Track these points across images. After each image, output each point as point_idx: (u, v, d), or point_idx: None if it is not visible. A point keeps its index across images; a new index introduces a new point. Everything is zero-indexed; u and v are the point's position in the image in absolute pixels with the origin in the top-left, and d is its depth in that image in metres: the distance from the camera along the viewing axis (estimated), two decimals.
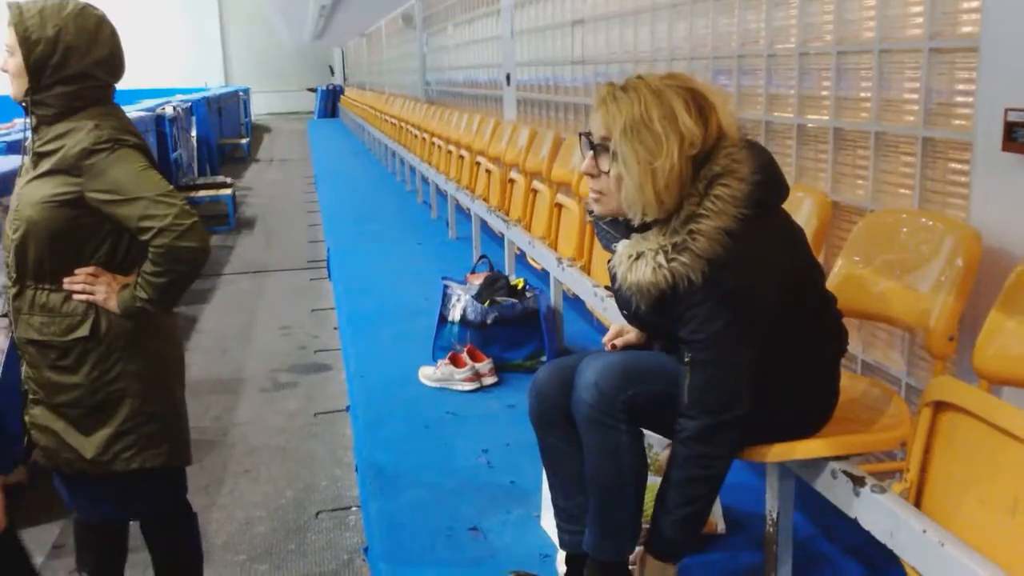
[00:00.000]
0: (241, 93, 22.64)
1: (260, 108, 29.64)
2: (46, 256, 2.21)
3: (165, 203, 2.14)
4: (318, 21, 18.46)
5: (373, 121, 15.47)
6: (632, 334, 2.36)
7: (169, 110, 10.30)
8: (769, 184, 1.99)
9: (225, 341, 5.98)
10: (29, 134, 2.28)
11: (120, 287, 2.23)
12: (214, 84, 28.01)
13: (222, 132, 16.91)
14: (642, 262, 1.96)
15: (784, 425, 2.08)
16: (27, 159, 2.27)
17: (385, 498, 3.15)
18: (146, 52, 29.75)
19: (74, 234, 2.20)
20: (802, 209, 2.90)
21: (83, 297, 2.22)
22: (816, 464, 2.09)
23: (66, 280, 2.22)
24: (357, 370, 4.47)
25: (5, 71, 2.22)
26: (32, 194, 2.19)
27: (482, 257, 4.83)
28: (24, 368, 2.33)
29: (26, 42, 2.16)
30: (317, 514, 3.59)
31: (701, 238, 1.89)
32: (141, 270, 2.22)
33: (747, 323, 1.94)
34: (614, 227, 2.13)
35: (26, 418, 2.36)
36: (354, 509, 3.60)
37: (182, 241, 2.14)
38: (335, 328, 6.06)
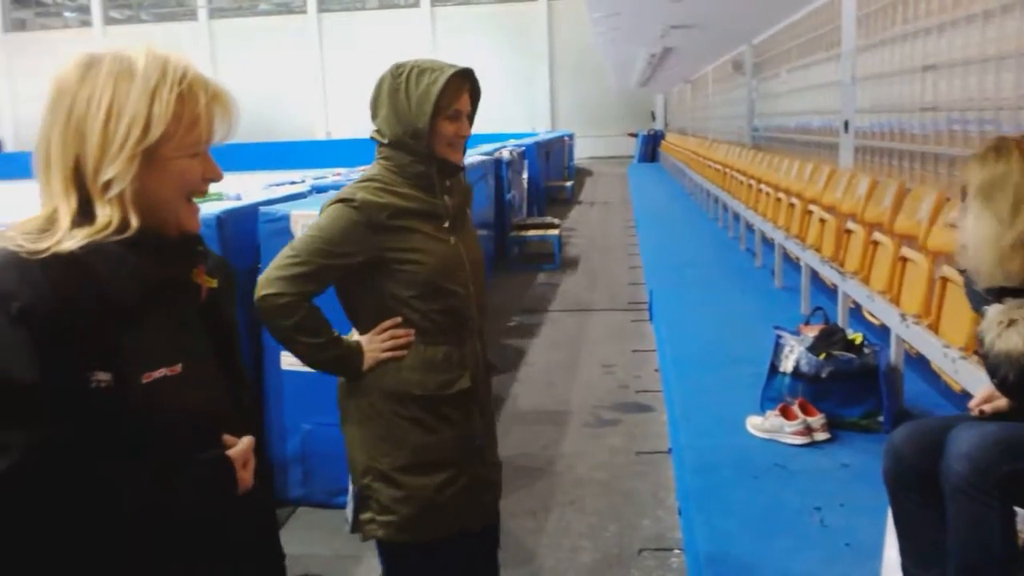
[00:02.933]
0: (566, 138, 23.61)
1: (582, 152, 30.72)
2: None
3: None
4: (646, 69, 18.89)
5: (695, 166, 15.53)
6: (1002, 400, 2.21)
7: (506, 154, 10.98)
8: None
9: (551, 375, 6.25)
10: (448, 197, 2.30)
11: None
12: (541, 129, 29.43)
13: (548, 175, 17.71)
14: (1013, 330, 1.86)
15: None
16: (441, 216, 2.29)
17: (712, 545, 3.14)
18: (485, 100, 31.91)
19: None
20: None
21: None
22: None
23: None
24: (681, 413, 4.50)
25: (465, 137, 2.27)
26: (476, 242, 2.39)
27: (817, 309, 4.69)
28: (480, 422, 2.37)
29: (474, 111, 2.33)
30: (640, 551, 3.65)
31: None
32: None
33: None
34: (987, 290, 2.03)
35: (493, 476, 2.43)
36: (677, 552, 3.62)
37: None
38: (656, 370, 6.14)
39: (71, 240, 1.24)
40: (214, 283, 1.45)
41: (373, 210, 2.16)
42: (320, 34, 37.45)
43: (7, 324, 1.18)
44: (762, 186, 8.78)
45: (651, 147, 28.67)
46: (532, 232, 10.92)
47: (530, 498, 4.18)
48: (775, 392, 4.19)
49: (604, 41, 14.40)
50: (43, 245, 1.23)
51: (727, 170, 11.51)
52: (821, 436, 3.93)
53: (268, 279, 2.15)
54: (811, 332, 4.34)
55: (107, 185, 1.26)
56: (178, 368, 1.32)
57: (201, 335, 1.42)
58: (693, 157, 16.50)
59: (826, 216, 6.12)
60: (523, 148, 13.05)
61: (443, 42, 35.82)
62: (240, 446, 1.39)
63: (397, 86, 2.17)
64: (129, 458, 1.26)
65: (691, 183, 15.92)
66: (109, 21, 38.75)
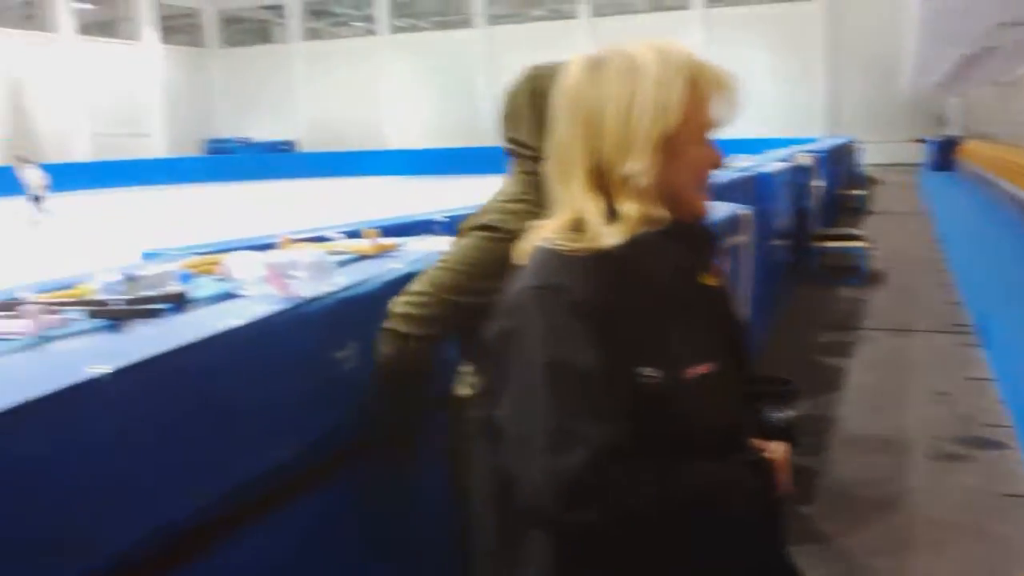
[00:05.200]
0: (853, 144, 22.38)
1: (864, 159, 29.03)
2: None
3: None
4: (951, 71, 17.49)
5: (1017, 177, 14.12)
6: None
7: (805, 160, 10.44)
8: None
9: (876, 398, 5.80)
10: None
11: None
12: (816, 135, 28.07)
13: (837, 183, 16.82)
14: None
15: None
16: None
17: None
18: (755, 105, 31.04)
19: None
20: None
21: None
22: None
23: None
24: None
25: None
26: None
27: None
28: None
29: None
30: None
31: None
32: None
33: None
34: None
35: None
36: None
37: None
38: (1000, 402, 5.54)
39: (608, 237, 1.25)
40: (717, 281, 1.43)
41: None
42: (594, 39, 37.81)
43: (566, 314, 1.20)
44: None
45: (944, 154, 26.58)
46: (833, 243, 10.35)
47: (886, 536, 3.85)
48: None
49: (915, 41, 13.43)
50: (583, 244, 1.26)
51: None
52: None
53: (394, 316, 2.01)
54: None
55: (630, 179, 1.26)
56: (712, 366, 1.29)
57: (720, 333, 1.39)
58: (1012, 167, 15.01)
59: None
60: (819, 155, 12.41)
61: (716, 44, 35.10)
62: (780, 450, 1.36)
63: (539, 89, 1.90)
64: (667, 457, 1.23)
65: (1007, 195, 14.51)
66: (395, 30, 41.14)
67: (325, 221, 4.27)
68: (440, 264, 2.01)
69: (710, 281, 1.40)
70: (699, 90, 1.29)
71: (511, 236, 1.83)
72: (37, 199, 19.43)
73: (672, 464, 1.22)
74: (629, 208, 1.26)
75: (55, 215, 19.59)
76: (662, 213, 1.28)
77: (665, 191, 1.28)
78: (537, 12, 39.92)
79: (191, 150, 40.12)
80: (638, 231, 1.26)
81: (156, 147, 38.44)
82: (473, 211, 2.10)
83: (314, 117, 40.91)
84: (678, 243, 1.31)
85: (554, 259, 1.26)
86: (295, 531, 1.95)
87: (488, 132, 35.15)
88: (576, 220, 1.29)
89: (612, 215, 1.27)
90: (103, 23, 37.64)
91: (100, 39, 36.72)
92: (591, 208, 1.28)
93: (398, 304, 2.02)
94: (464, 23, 40.27)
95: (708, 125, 1.32)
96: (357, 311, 2.13)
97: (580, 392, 1.17)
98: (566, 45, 37.56)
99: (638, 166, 1.25)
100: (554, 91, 1.88)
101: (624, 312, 1.23)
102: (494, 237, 1.92)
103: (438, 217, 4.69)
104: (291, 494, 1.95)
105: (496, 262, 1.81)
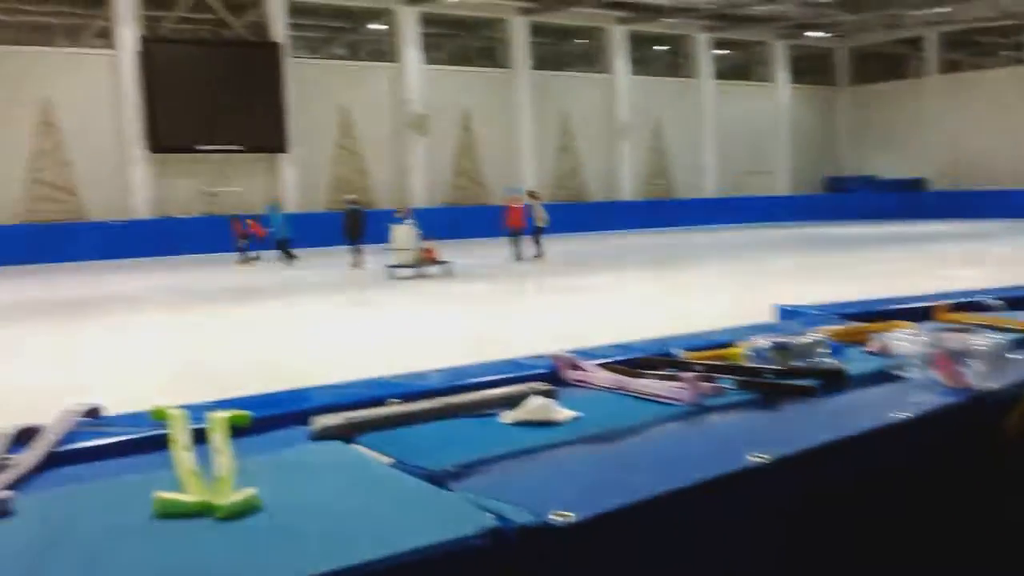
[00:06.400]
0: None
1: None
2: None
3: None
4: None
5: None
6: None
7: None
8: None
9: None
10: None
11: None
12: None
13: None
14: None
15: None
16: None
17: None
18: None
19: None
20: None
21: None
22: None
23: None
24: None
25: None
26: None
27: None
28: None
29: None
30: None
31: None
32: None
33: None
34: None
35: None
36: None
37: None
38: None
39: None
40: None
41: None
42: None
43: None
44: None
45: None
46: None
47: None
48: None
49: None
50: None
51: None
52: None
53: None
54: None
55: None
56: None
57: None
58: None
59: None
60: None
61: None
62: None
63: None
64: None
65: None
66: None
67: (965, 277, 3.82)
68: None
69: None
70: None
71: None
72: (538, 233, 20.72)
73: None
74: None
75: (544, 253, 20.68)
76: None
77: None
78: None
79: (810, 188, 40.35)
80: None
81: (778, 184, 39.43)
82: None
83: (947, 154, 38.23)
84: None
85: None
86: None
87: None
88: None
89: None
90: (738, 67, 39.71)
91: (734, 83, 38.78)
92: None
93: (1012, 419, 1.67)
94: None
95: None
96: None
97: None
98: None
99: None
100: None
101: None
102: None
103: None
104: None
105: None
